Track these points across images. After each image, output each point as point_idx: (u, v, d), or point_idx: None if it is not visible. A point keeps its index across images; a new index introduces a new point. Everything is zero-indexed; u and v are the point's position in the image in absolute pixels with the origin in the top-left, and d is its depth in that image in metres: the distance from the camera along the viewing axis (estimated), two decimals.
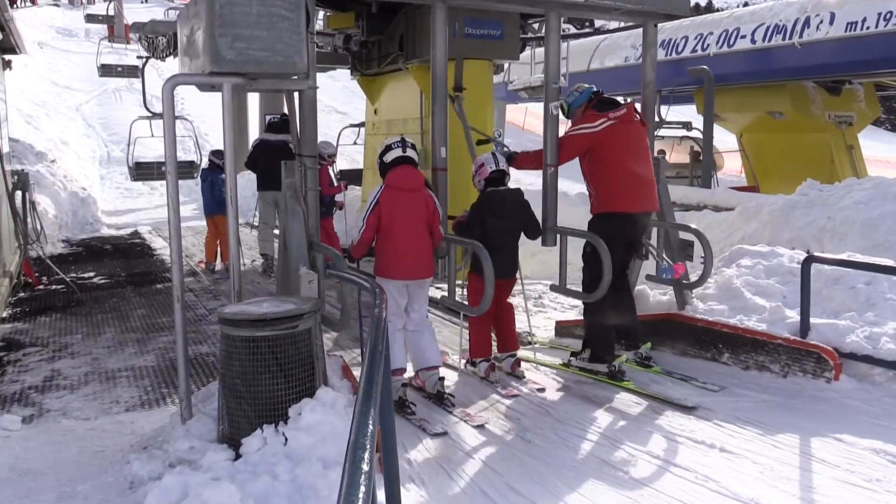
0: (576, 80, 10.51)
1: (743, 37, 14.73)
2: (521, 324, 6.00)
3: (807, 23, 13.52)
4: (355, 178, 13.13)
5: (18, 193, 9.89)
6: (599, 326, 5.38)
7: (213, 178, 10.08)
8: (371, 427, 1.99)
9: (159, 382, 5.65)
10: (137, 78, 14.00)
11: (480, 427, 4.45)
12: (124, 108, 26.65)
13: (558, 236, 5.56)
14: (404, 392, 4.73)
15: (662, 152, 15.78)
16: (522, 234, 5.37)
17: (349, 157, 18.67)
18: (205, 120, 22.47)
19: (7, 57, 11.34)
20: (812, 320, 5.13)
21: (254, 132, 20.08)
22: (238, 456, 3.41)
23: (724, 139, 18.75)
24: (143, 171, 13.95)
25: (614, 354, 5.34)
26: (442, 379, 4.93)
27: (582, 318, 5.75)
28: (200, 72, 4.06)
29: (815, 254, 5.63)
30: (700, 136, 14.56)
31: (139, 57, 12.58)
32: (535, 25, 10.53)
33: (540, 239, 5.49)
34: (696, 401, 4.75)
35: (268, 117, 11.65)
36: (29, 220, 10.35)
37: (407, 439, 4.20)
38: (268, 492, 3.09)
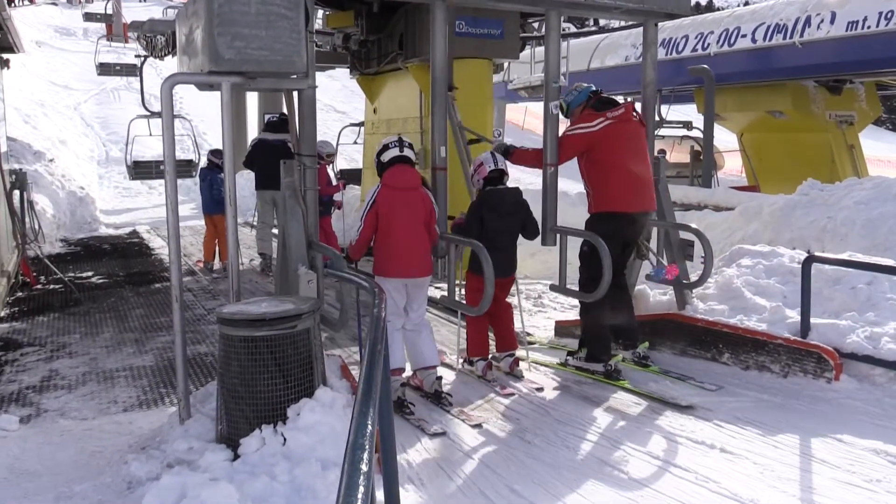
0: (576, 80, 10.54)
1: (743, 36, 14.72)
2: (518, 323, 5.98)
3: (807, 22, 13.51)
4: (355, 177, 13.13)
5: (16, 193, 9.89)
6: (596, 326, 5.37)
7: (212, 177, 10.07)
8: (370, 427, 1.98)
9: (157, 382, 5.63)
10: (136, 77, 14.03)
11: (479, 427, 4.44)
12: (123, 107, 26.65)
13: (558, 236, 5.55)
14: (403, 391, 4.73)
15: (663, 152, 15.74)
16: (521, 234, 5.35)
17: (349, 156, 18.68)
18: (203, 119, 22.49)
19: (5, 56, 11.34)
20: (812, 320, 5.11)
21: (252, 131, 20.06)
22: (236, 456, 3.40)
23: (725, 139, 18.77)
24: (141, 170, 13.95)
25: (611, 354, 5.33)
26: (440, 378, 4.93)
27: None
28: (199, 71, 4.05)
29: (816, 254, 5.62)
30: (700, 135, 14.53)
31: (137, 56, 12.59)
32: (535, 24, 10.53)
33: (539, 238, 5.47)
34: (694, 400, 4.74)
35: (266, 116, 11.65)
36: (27, 219, 10.35)
37: (406, 439, 4.20)
38: (266, 492, 3.08)
